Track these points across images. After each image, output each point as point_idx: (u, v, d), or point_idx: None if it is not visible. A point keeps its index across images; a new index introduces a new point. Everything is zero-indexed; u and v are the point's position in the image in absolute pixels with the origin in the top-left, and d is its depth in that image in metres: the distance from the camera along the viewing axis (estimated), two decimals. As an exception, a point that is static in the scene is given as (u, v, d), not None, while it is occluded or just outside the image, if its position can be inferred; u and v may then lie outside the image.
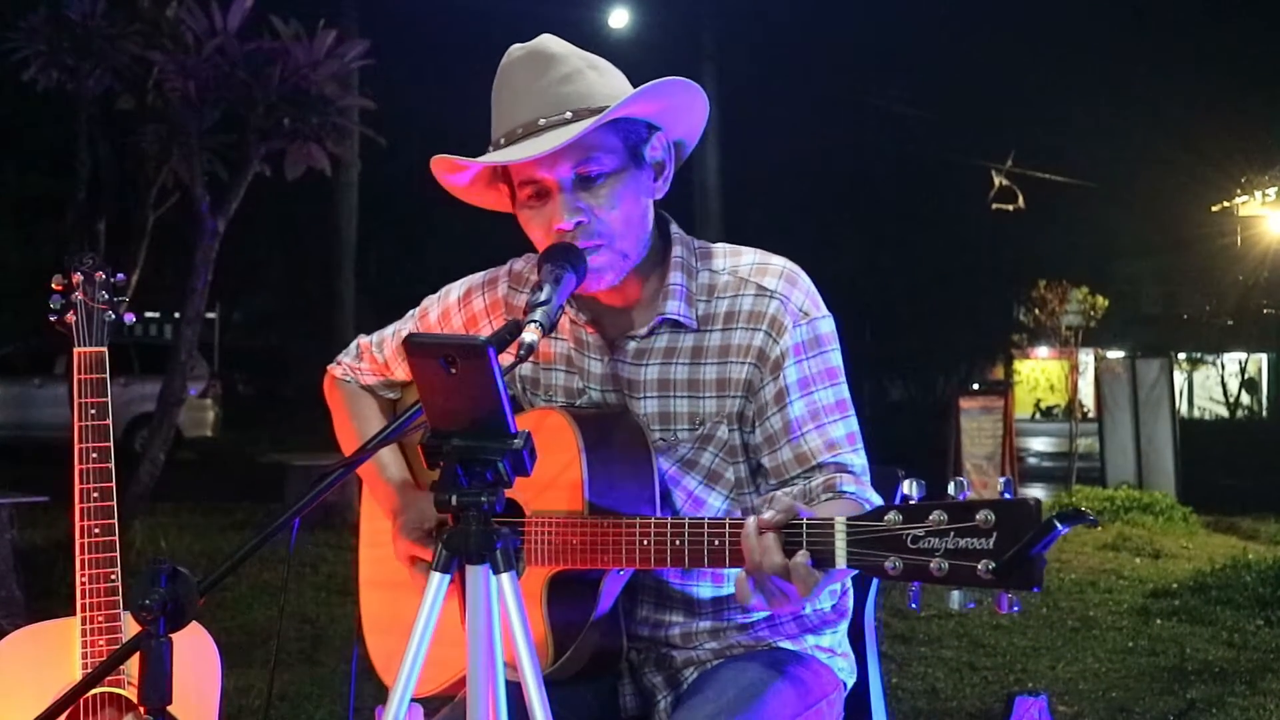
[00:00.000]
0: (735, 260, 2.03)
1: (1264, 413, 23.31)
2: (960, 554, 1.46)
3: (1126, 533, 10.13)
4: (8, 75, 8.63)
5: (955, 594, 1.49)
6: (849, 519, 1.56)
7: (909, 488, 1.54)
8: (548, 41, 1.95)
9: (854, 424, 1.98)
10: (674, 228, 2.05)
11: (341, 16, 12.06)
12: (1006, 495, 1.47)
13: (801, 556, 1.59)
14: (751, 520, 1.64)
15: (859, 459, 1.95)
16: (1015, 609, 1.47)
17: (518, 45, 1.96)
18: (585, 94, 1.89)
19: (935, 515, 1.48)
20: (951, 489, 1.51)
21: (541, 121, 1.87)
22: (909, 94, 20.99)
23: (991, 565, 1.44)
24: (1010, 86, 21.17)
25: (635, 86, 1.93)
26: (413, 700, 1.63)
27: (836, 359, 2.00)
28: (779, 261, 2.02)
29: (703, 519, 1.75)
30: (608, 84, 1.92)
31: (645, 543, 1.78)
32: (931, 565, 1.48)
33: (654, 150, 1.97)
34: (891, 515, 1.52)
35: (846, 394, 1.99)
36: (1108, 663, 5.79)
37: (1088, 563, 8.78)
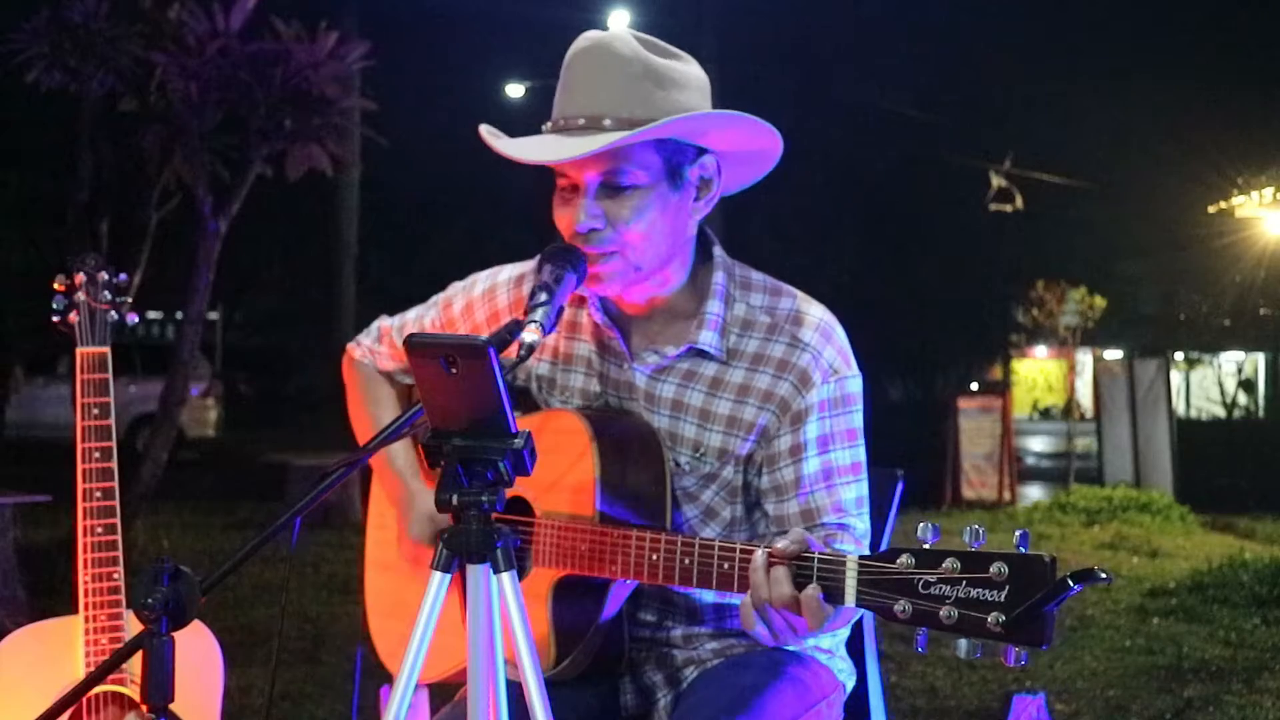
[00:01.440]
0: (774, 300, 2.01)
1: (1261, 412, 23.26)
2: (971, 604, 1.46)
3: (1124, 532, 10.14)
4: (10, 77, 8.63)
5: (963, 643, 1.48)
6: (861, 557, 1.57)
7: (923, 531, 1.53)
8: (616, 40, 1.90)
9: (865, 488, 1.98)
10: (717, 250, 2.03)
11: (342, 18, 12.06)
12: (1021, 548, 1.46)
13: (813, 589, 1.59)
14: (761, 553, 1.65)
15: (862, 524, 1.96)
16: (1023, 662, 1.46)
17: (592, 33, 1.94)
18: (636, 104, 1.85)
19: (948, 563, 1.48)
20: (966, 537, 1.50)
21: (581, 121, 1.86)
22: (909, 94, 20.99)
23: (1001, 619, 1.43)
24: (1010, 86, 21.15)
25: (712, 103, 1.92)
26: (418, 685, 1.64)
27: (858, 420, 1.99)
28: (817, 312, 2.00)
29: (713, 540, 1.75)
30: (668, 99, 1.88)
31: (654, 558, 1.78)
32: (941, 613, 1.48)
33: (701, 169, 1.94)
34: (904, 558, 1.52)
35: (863, 457, 1.99)
36: (1105, 661, 5.80)
37: (1085, 562, 8.79)
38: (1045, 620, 1.42)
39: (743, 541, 1.88)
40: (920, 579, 1.50)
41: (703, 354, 1.98)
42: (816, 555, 1.61)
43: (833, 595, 1.59)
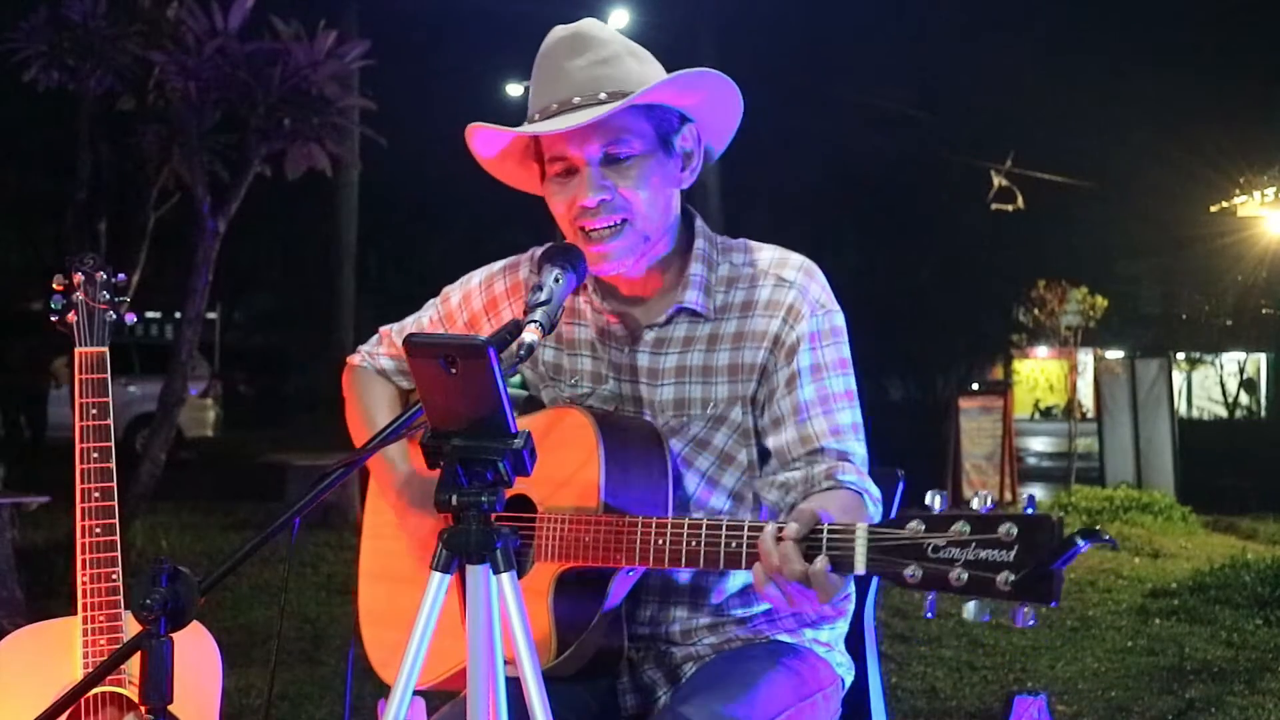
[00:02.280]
0: (755, 255, 2.09)
1: (1262, 412, 23.30)
2: (980, 565, 1.47)
3: (1126, 532, 10.12)
4: (9, 75, 8.62)
5: (971, 605, 1.49)
6: (870, 526, 1.57)
7: (931, 499, 1.54)
8: (591, 25, 1.99)
9: (859, 415, 2.03)
10: (699, 222, 2.10)
11: (342, 17, 12.06)
12: (1029, 510, 1.48)
13: (821, 563, 1.60)
14: (771, 527, 1.65)
15: (860, 449, 2.00)
16: (1031, 623, 1.47)
17: (562, 26, 2.00)
18: (622, 78, 1.93)
19: (958, 526, 1.49)
20: (975, 502, 1.51)
21: (576, 100, 1.92)
22: (909, 94, 21.00)
23: (1011, 578, 1.45)
24: (1010, 86, 21.15)
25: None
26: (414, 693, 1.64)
27: (847, 351, 2.06)
28: (797, 257, 2.08)
29: (720, 520, 1.76)
30: (646, 71, 1.97)
31: (660, 542, 1.79)
32: (951, 575, 1.49)
33: (684, 140, 2.02)
34: (914, 524, 1.53)
35: (854, 386, 2.05)
36: (1107, 662, 5.79)
37: (1087, 562, 8.77)
38: (1054, 578, 1.44)
39: (756, 497, 2.00)
40: (930, 543, 1.51)
41: (693, 315, 2.04)
42: (826, 527, 1.62)
43: (843, 564, 1.59)
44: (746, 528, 1.72)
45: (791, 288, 2.02)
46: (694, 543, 1.76)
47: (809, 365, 2.00)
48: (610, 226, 1.94)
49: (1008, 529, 1.46)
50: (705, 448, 2.03)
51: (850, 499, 1.89)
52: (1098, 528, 1.43)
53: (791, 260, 2.07)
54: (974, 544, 1.48)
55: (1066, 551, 1.42)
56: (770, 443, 2.01)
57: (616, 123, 1.91)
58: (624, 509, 1.88)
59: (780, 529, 1.64)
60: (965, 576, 1.48)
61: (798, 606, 1.68)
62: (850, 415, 2.01)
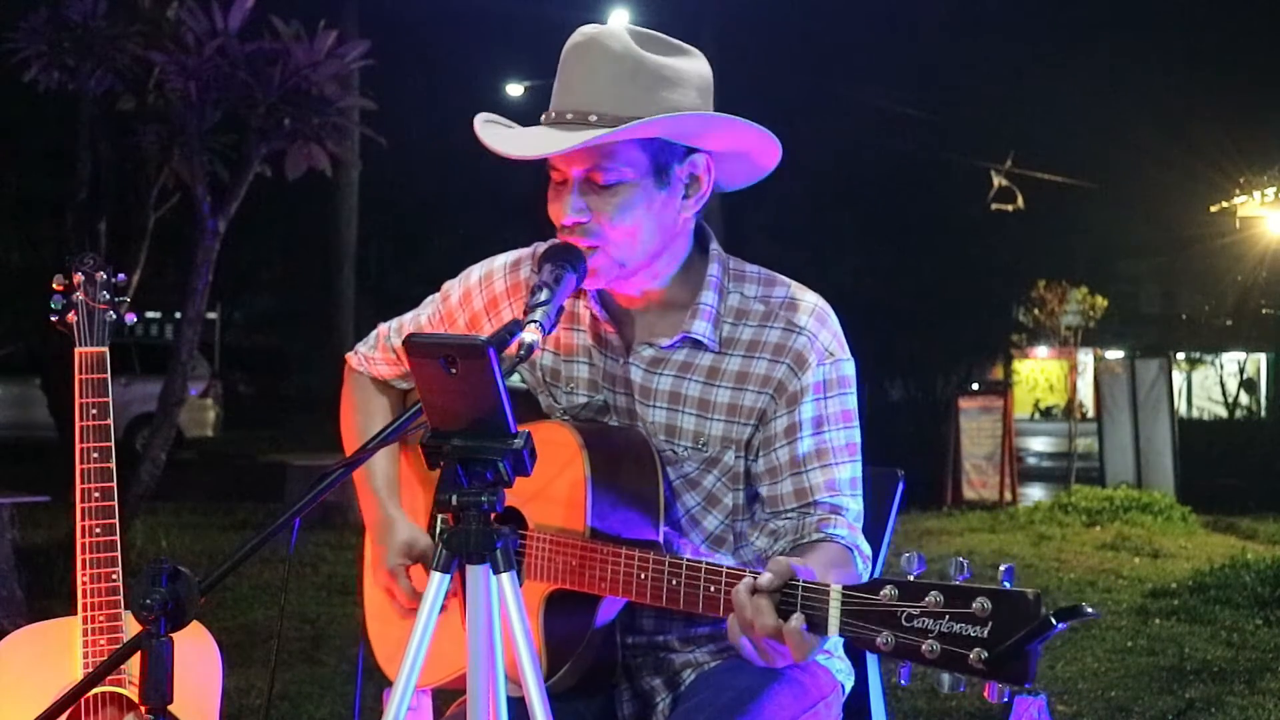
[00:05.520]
0: (768, 289, 2.02)
1: (1262, 412, 23.29)
2: (953, 639, 1.43)
3: (1125, 532, 10.13)
4: (9, 76, 8.62)
5: (945, 677, 1.45)
6: (845, 588, 1.54)
7: (908, 562, 1.51)
8: (611, 36, 1.90)
9: (859, 470, 1.98)
10: (714, 245, 2.03)
11: (342, 17, 12.07)
12: (1006, 583, 1.43)
13: (796, 621, 1.57)
14: (745, 582, 1.63)
15: (855, 504, 1.96)
16: (1005, 699, 1.43)
17: (588, 27, 1.93)
18: (622, 101, 1.85)
19: (931, 596, 1.45)
20: (952, 569, 1.48)
21: (570, 116, 1.86)
22: (908, 94, 20.98)
23: (984, 655, 1.40)
24: (1010, 86, 21.14)
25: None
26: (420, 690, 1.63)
27: (853, 402, 2.00)
28: (811, 298, 2.01)
29: (700, 562, 1.74)
30: (654, 98, 1.87)
31: (642, 577, 1.78)
32: (924, 647, 1.45)
33: (691, 167, 1.93)
34: (888, 590, 1.49)
35: (858, 439, 1.99)
36: (1107, 662, 5.79)
37: (1087, 562, 8.78)
38: (1029, 658, 1.39)
39: (738, 536, 1.94)
40: (904, 611, 1.47)
41: (697, 344, 1.99)
42: (801, 583, 1.58)
43: (816, 625, 1.56)
44: (725, 574, 1.69)
45: (801, 334, 1.96)
46: (674, 581, 1.75)
47: (811, 417, 1.94)
48: (587, 248, 1.89)
49: (982, 604, 1.41)
50: (694, 487, 1.99)
51: (838, 553, 1.87)
52: (1081, 605, 1.38)
53: (804, 303, 1.99)
54: (947, 616, 1.43)
55: (1043, 632, 1.37)
56: (764, 491, 1.97)
57: (604, 148, 1.83)
58: (612, 532, 1.86)
59: (755, 580, 1.61)
60: (938, 649, 1.44)
61: (770, 662, 1.64)
62: (849, 470, 1.96)
